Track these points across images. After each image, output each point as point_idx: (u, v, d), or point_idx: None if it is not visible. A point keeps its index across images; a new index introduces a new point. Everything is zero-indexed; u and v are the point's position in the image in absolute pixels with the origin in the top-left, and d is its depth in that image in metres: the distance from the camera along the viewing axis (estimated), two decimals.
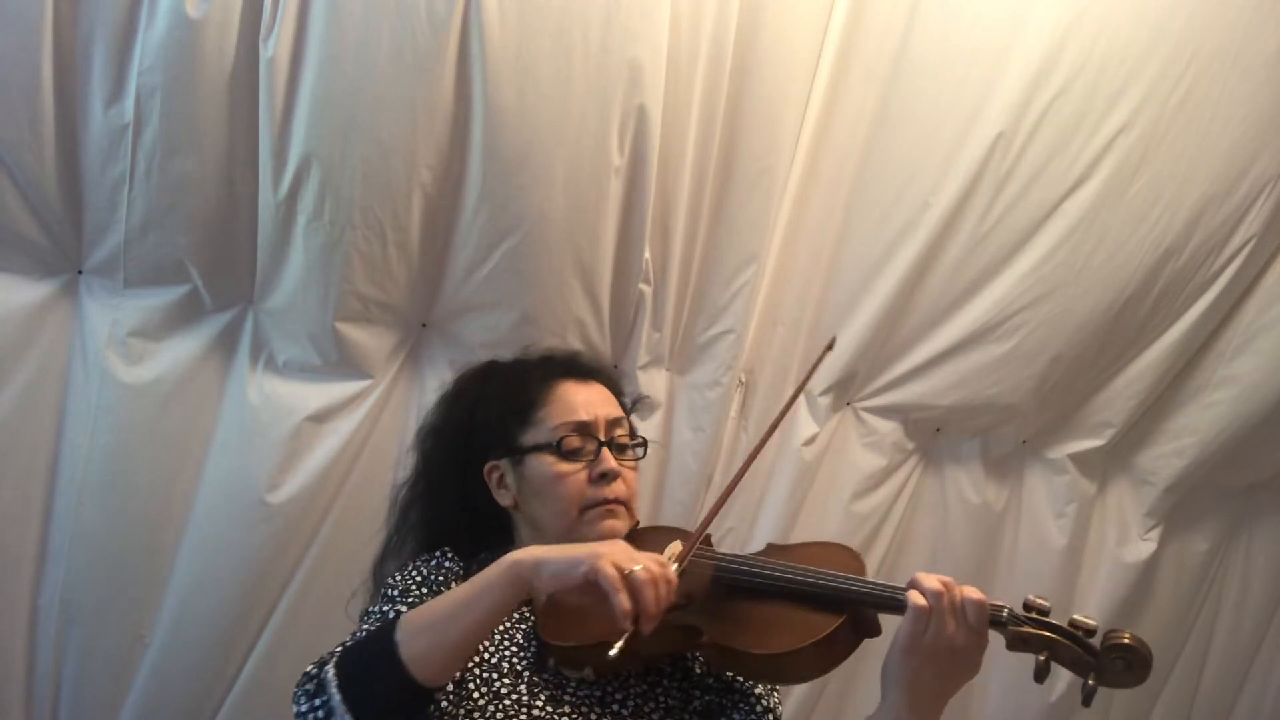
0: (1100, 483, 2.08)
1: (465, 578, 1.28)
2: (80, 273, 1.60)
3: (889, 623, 1.12)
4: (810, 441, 1.89)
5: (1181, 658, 2.21)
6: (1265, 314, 1.97)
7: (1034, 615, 1.06)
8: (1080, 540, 2.05)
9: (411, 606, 1.18)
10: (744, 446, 1.89)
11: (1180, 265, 1.89)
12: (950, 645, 1.05)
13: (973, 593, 1.06)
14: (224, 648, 1.65)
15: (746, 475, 1.85)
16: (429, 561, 1.30)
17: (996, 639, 1.08)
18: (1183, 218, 1.85)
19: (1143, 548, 2.06)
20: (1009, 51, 1.76)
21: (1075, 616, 1.06)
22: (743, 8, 1.68)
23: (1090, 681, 1.03)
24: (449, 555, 1.31)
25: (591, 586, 1.02)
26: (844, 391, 1.93)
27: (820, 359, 1.49)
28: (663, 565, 1.04)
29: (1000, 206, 1.81)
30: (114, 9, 1.46)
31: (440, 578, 1.27)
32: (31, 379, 1.57)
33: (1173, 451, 2.04)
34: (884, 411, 1.94)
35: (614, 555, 1.03)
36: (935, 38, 1.77)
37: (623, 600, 1.00)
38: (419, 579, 1.26)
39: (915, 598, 1.06)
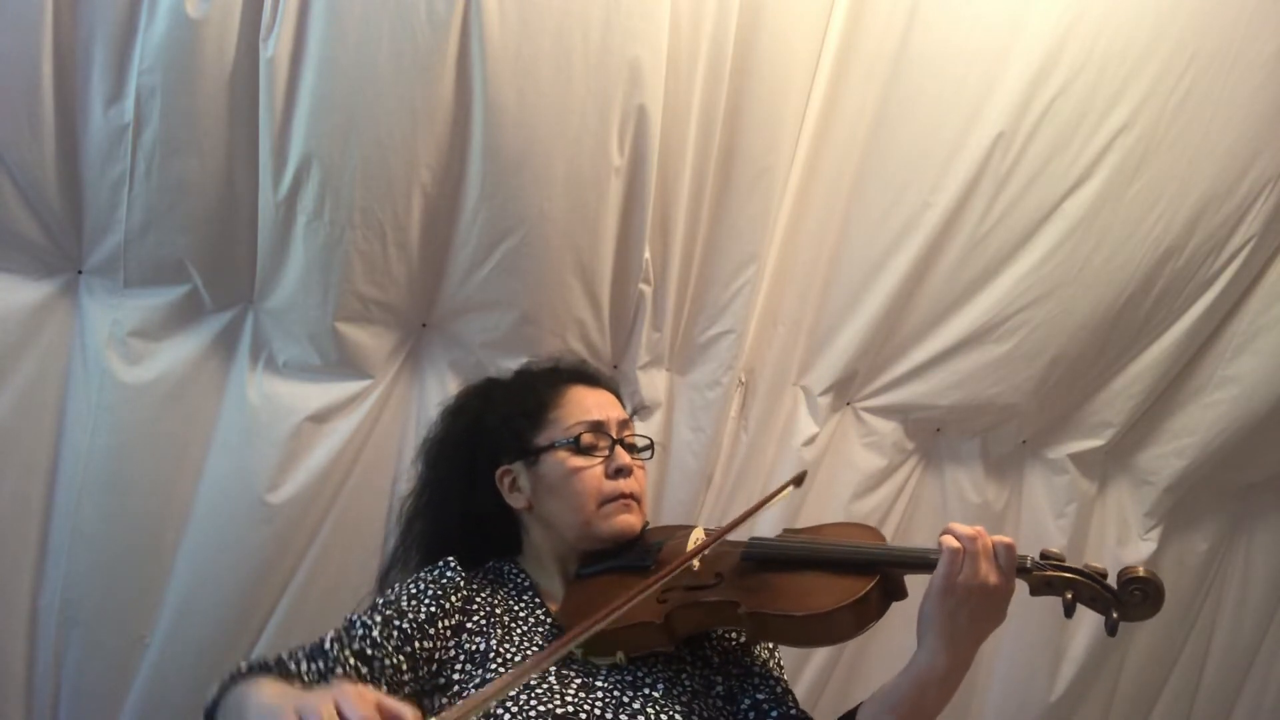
0: (1100, 483, 2.08)
1: (468, 587, 1.30)
2: (80, 273, 1.59)
3: (915, 587, 1.19)
4: (810, 441, 1.89)
5: (1181, 657, 2.21)
6: (1265, 314, 1.98)
7: (1053, 561, 1.15)
8: (1080, 540, 2.05)
9: (389, 623, 1.21)
10: (744, 446, 1.90)
11: (1180, 265, 1.89)
12: (984, 585, 1.11)
13: (1004, 538, 1.14)
14: (224, 648, 1.65)
15: (747, 475, 1.89)
16: (431, 572, 1.31)
17: (1022, 589, 1.16)
18: (1183, 218, 1.85)
19: (1143, 548, 2.07)
20: (1009, 51, 1.76)
21: (1088, 562, 1.14)
22: (743, 8, 1.68)
23: (1114, 615, 1.12)
24: (452, 565, 1.32)
25: None
26: (844, 391, 1.93)
27: (782, 489, 1.37)
28: (391, 714, 0.91)
29: (1000, 206, 1.81)
30: (114, 9, 1.46)
31: (439, 590, 1.27)
32: (31, 379, 1.57)
33: (1173, 451, 2.05)
34: (884, 411, 1.94)
35: (302, 704, 0.92)
36: (935, 38, 1.77)
37: None
38: (414, 592, 1.27)
39: (949, 540, 1.14)
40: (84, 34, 1.47)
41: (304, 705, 0.91)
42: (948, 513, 2.02)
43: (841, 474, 1.93)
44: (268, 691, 1.04)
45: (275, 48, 1.48)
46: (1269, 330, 1.97)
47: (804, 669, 1.93)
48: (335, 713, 0.89)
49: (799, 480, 1.39)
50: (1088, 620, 1.99)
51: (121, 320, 1.58)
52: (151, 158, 1.51)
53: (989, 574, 1.11)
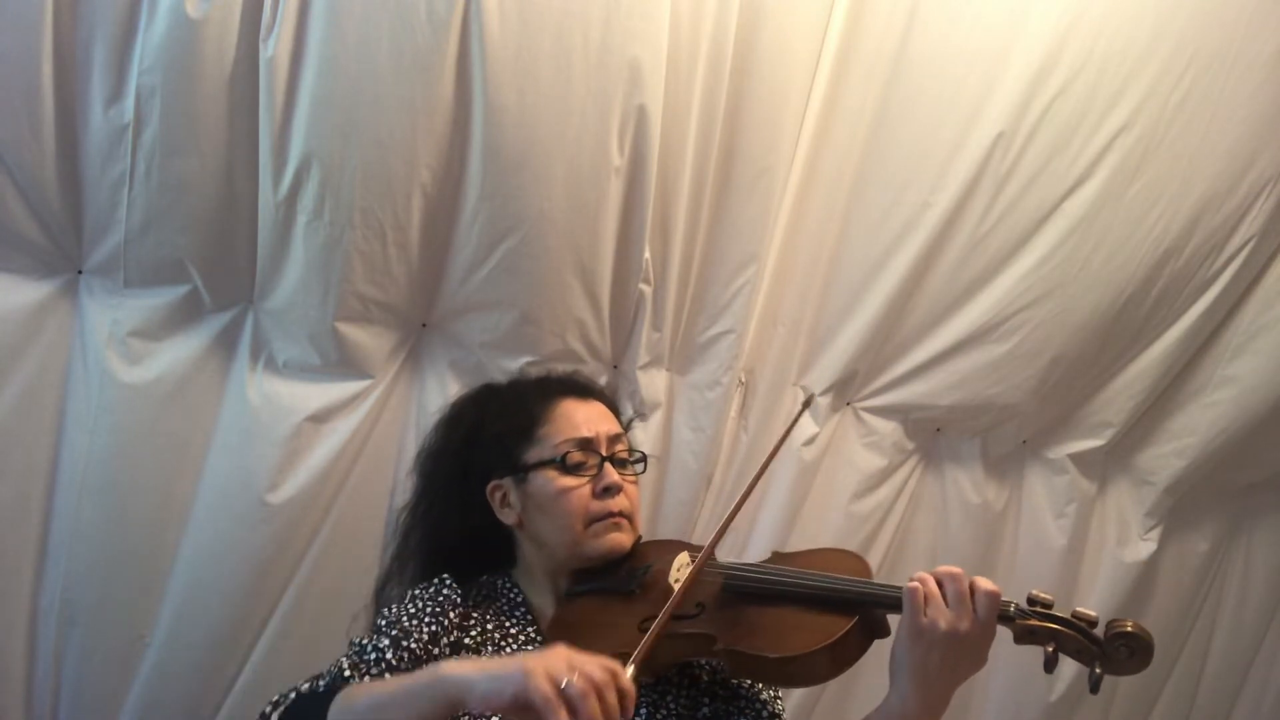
0: (1100, 483, 2.08)
1: (464, 604, 1.29)
2: (80, 273, 1.59)
3: (897, 623, 1.14)
4: (810, 441, 1.89)
5: (1181, 658, 2.21)
6: (1265, 314, 1.98)
7: (1039, 609, 1.10)
8: (1080, 540, 2.05)
9: (397, 644, 1.18)
10: (744, 446, 1.89)
11: (1180, 265, 1.89)
12: (953, 631, 1.07)
13: (986, 584, 1.09)
14: (224, 648, 1.65)
15: (746, 475, 1.89)
16: (427, 590, 1.30)
17: (1005, 634, 1.11)
18: (1183, 218, 1.85)
19: (1143, 548, 2.06)
20: (1009, 51, 1.76)
21: (1077, 609, 1.09)
22: (743, 8, 1.68)
23: (1097, 670, 1.07)
24: (448, 582, 1.31)
25: (524, 707, 0.92)
26: (844, 391, 1.93)
27: (800, 414, 1.67)
28: (608, 670, 0.94)
29: (1000, 206, 1.81)
30: (114, 9, 1.46)
31: (437, 608, 1.26)
32: (31, 379, 1.57)
33: (1173, 451, 2.04)
34: (884, 411, 1.94)
35: (547, 667, 0.93)
36: (935, 38, 1.77)
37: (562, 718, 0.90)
38: (413, 611, 1.26)
39: (910, 583, 1.11)
40: (84, 34, 1.47)
41: (551, 667, 0.93)
42: (948, 513, 2.02)
43: (841, 474, 1.93)
44: (464, 668, 1.00)
45: (275, 48, 1.48)
46: (1269, 330, 1.97)
47: None
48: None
49: (809, 402, 1.61)
50: None
51: (121, 320, 1.58)
52: (151, 158, 1.51)
53: (960, 619, 1.07)
